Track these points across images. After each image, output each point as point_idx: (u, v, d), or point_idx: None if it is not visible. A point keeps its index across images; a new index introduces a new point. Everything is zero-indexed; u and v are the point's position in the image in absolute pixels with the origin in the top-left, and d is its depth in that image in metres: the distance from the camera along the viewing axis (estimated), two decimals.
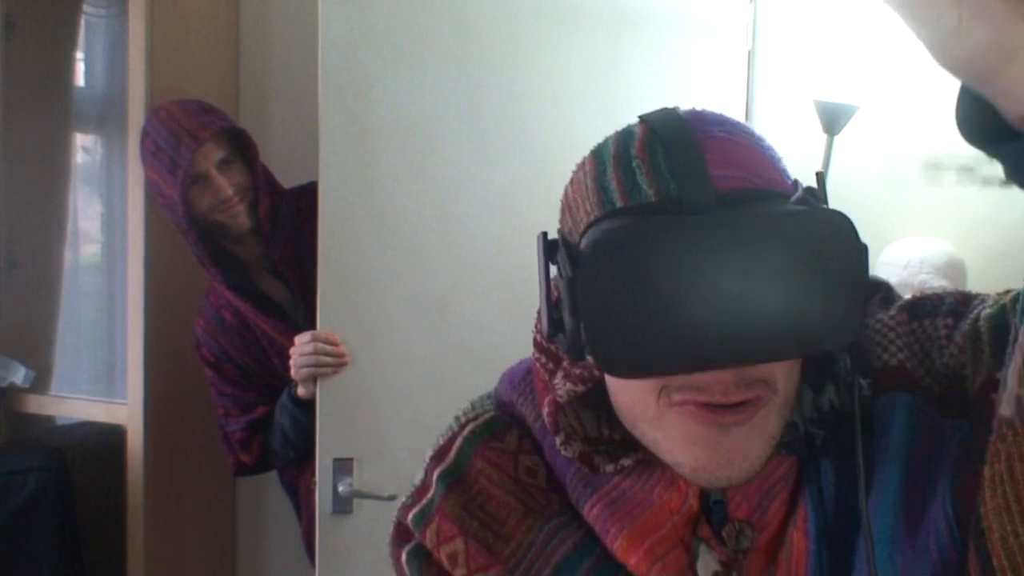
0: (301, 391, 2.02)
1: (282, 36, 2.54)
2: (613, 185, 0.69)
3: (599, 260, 0.64)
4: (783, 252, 0.63)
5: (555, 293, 0.71)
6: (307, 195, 2.12)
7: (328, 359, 1.93)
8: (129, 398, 2.36)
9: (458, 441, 0.85)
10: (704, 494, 0.74)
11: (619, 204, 0.68)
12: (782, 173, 0.72)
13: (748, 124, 0.76)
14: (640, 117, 0.74)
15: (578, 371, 0.74)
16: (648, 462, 0.75)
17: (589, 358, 0.67)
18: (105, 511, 2.48)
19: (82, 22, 2.67)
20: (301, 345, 1.95)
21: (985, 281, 2.13)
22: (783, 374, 0.69)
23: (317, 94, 1.92)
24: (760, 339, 0.63)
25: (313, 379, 1.96)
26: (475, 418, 0.86)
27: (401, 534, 0.87)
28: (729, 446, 0.67)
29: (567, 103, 2.09)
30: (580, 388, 0.75)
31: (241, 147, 2.12)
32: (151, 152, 2.09)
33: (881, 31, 2.09)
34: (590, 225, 0.68)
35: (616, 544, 0.75)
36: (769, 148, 0.72)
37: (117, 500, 2.41)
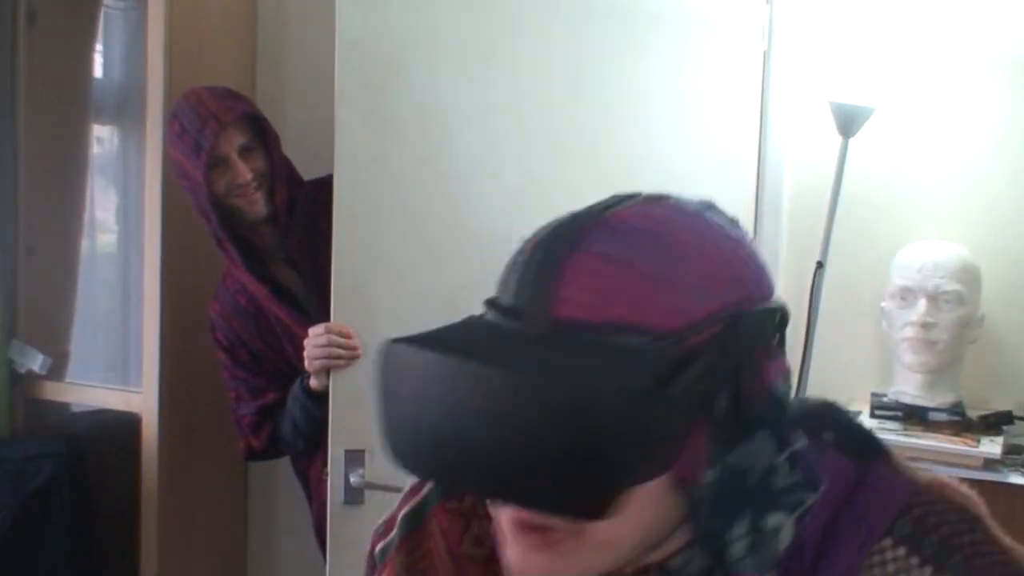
0: (314, 383, 2.04)
1: (299, 28, 2.55)
2: (503, 275, 0.71)
3: (380, 363, 0.69)
4: (493, 402, 0.61)
5: None
6: (325, 188, 2.13)
7: (342, 351, 1.95)
8: (144, 386, 2.38)
9: (428, 485, 0.86)
10: None
11: (496, 295, 0.71)
12: (688, 303, 0.66)
13: (678, 241, 0.68)
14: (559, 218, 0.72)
15: None
16: None
17: None
18: (119, 497, 2.50)
19: (101, 14, 2.69)
20: (315, 337, 1.97)
21: (1001, 286, 2.13)
22: None
23: (333, 87, 1.93)
24: (475, 475, 0.63)
25: (326, 371, 1.98)
26: None
27: (371, 558, 0.89)
28: (534, 565, 0.68)
29: (581, 102, 2.10)
30: None
31: (262, 135, 2.16)
32: (177, 134, 2.12)
33: (897, 33, 2.09)
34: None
35: None
36: (669, 275, 0.66)
37: (131, 487, 2.44)
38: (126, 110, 2.73)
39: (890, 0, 2.13)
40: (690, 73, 2.16)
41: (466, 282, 2.05)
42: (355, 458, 1.97)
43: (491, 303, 0.70)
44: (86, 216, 2.76)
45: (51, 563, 2.37)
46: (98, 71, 2.77)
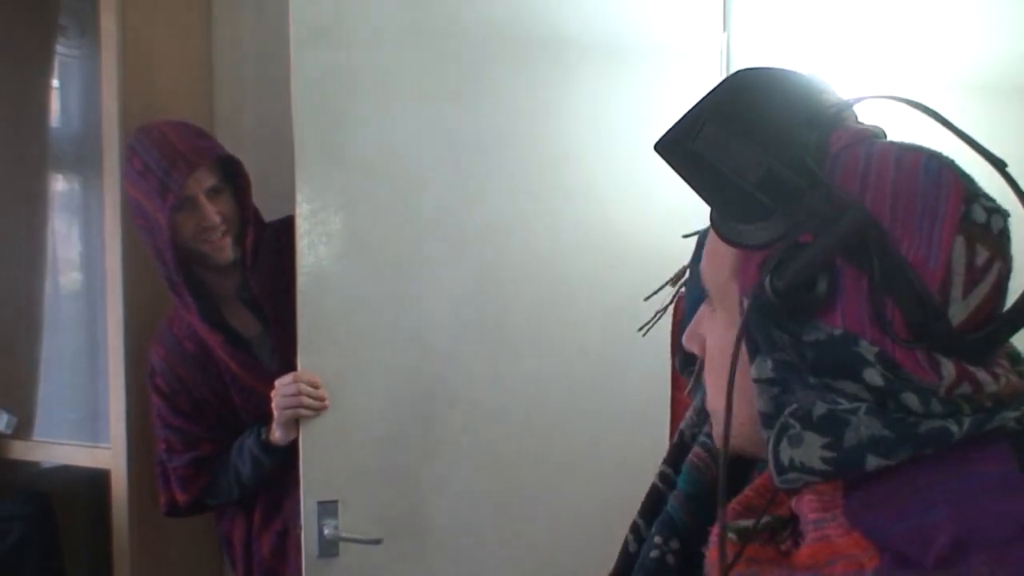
0: (277, 435, 2.00)
1: (255, 73, 2.51)
2: None
3: None
4: None
5: None
6: (287, 229, 2.10)
7: (312, 401, 1.92)
8: (112, 442, 2.34)
9: None
10: None
11: None
12: None
13: None
14: None
15: None
16: None
17: None
18: (92, 555, 2.45)
19: (56, 61, 2.65)
20: (283, 387, 1.93)
21: None
22: None
23: (291, 129, 1.90)
24: None
25: (294, 422, 1.95)
26: None
27: None
28: None
29: (544, 139, 2.08)
30: None
31: (232, 176, 2.11)
32: (138, 172, 2.03)
33: (854, 62, 2.09)
34: None
35: None
36: None
37: (103, 544, 2.39)
38: (86, 156, 2.69)
39: (847, 28, 2.13)
40: (651, 103, 2.14)
41: (437, 327, 2.03)
42: (328, 510, 1.94)
43: None
44: (48, 268, 2.71)
45: None
46: (55, 116, 2.72)
